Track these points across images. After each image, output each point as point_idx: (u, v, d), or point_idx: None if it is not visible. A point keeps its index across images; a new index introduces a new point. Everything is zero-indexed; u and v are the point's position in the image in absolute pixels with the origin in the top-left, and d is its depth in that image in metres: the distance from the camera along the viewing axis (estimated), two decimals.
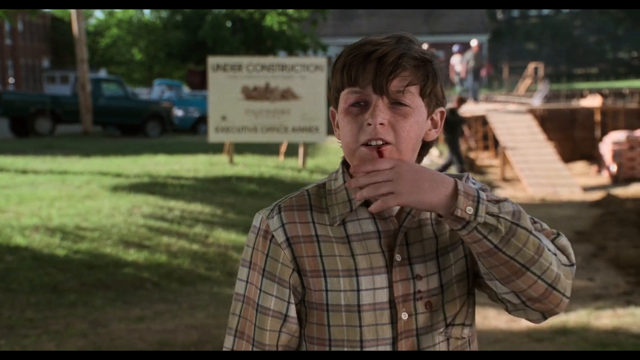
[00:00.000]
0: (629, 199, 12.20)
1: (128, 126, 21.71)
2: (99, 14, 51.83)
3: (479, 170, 16.16)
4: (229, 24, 38.32)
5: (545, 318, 1.44)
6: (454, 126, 13.24)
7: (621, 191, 13.47)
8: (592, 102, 19.23)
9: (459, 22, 48.99)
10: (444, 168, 13.42)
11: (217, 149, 14.10)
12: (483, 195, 1.34)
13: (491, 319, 5.73)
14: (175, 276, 7.06)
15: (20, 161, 12.98)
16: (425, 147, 1.45)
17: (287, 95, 12.41)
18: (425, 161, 1.51)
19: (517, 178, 14.81)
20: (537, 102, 20.74)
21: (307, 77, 12.44)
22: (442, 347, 1.43)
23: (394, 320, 1.40)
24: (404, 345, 1.41)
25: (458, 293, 1.45)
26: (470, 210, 1.31)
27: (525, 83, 27.72)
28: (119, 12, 44.36)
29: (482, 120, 17.81)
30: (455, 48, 21.24)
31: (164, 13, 41.82)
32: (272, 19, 37.01)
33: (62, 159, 13.40)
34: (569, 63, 61.71)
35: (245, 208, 9.60)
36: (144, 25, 43.41)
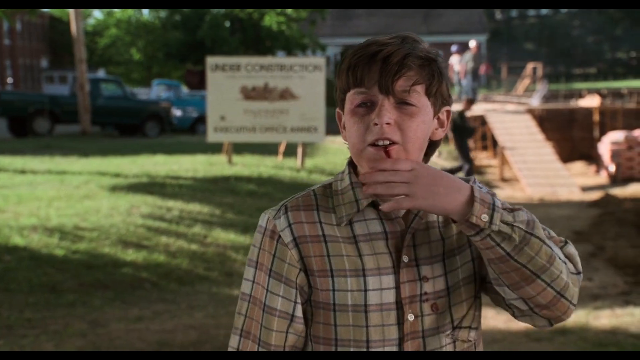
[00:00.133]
0: (628, 199, 12.21)
1: (127, 126, 21.69)
2: (97, 14, 51.82)
3: (478, 171, 16.16)
4: (227, 24, 38.32)
5: (551, 325, 1.45)
6: (462, 131, 13.18)
7: (619, 191, 13.48)
8: (591, 102, 19.25)
9: (458, 22, 49.00)
10: (452, 172, 13.33)
11: (215, 149, 14.10)
12: (498, 203, 1.35)
13: (490, 319, 5.73)
14: (174, 276, 7.06)
15: (18, 161, 12.97)
16: (432, 146, 1.46)
17: (285, 95, 12.41)
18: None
19: (515, 178, 14.81)
20: (535, 102, 20.75)
21: (306, 77, 12.44)
22: (448, 349, 1.44)
23: (400, 321, 1.40)
24: (410, 347, 1.41)
25: (465, 296, 1.45)
26: (485, 217, 1.32)
27: (523, 83, 27.74)
28: (117, 12, 44.35)
29: (481, 120, 17.81)
30: (454, 48, 21.25)
31: (162, 13, 41.81)
32: (271, 19, 37.02)
33: (61, 159, 13.39)
34: (567, 63, 61.74)
35: (244, 208, 9.60)
36: (142, 25, 43.40)
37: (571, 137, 18.25)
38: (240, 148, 14.02)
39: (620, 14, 61.16)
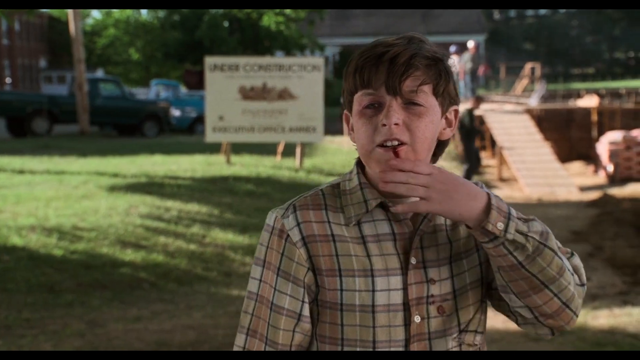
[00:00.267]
0: (626, 199, 12.22)
1: (125, 126, 21.68)
2: (96, 14, 51.79)
3: (477, 170, 16.15)
4: (226, 24, 38.32)
5: (553, 334, 1.47)
6: (470, 130, 13.17)
7: (618, 191, 13.49)
8: (589, 102, 19.26)
9: (456, 22, 49.01)
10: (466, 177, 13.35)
11: (214, 149, 14.09)
12: (514, 212, 1.37)
13: (488, 319, 5.72)
14: (172, 276, 7.06)
15: (17, 161, 12.96)
16: (440, 146, 1.46)
17: (284, 95, 12.41)
18: None
19: (514, 178, 14.82)
20: (534, 102, 20.76)
21: (305, 77, 12.44)
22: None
23: (407, 322, 1.41)
24: (416, 348, 1.42)
25: (472, 300, 1.46)
26: (501, 226, 1.34)
27: (522, 83, 27.74)
28: (116, 12, 44.33)
29: (480, 120, 17.82)
30: (453, 49, 21.26)
31: (161, 13, 41.80)
32: (270, 19, 37.02)
33: (59, 159, 13.38)
34: (565, 63, 61.79)
35: (243, 208, 9.60)
36: (141, 25, 43.39)
37: (569, 137, 18.27)
38: (238, 148, 14.02)
39: (618, 14, 61.21)
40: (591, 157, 17.10)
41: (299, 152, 12.98)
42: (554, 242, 1.39)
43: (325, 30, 46.98)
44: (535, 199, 12.96)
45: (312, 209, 1.44)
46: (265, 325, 1.43)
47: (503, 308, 1.50)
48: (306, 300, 1.42)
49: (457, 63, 20.10)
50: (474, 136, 13.36)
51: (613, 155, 15.08)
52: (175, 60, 39.88)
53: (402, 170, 1.34)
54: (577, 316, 1.44)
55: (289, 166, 12.93)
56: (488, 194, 1.36)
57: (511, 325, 5.58)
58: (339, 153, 15.71)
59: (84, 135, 20.24)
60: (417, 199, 1.36)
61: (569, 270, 1.40)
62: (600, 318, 5.88)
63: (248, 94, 12.38)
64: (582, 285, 1.45)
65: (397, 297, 1.40)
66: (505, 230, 1.34)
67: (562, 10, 64.41)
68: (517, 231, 1.35)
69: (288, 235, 1.42)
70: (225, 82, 12.34)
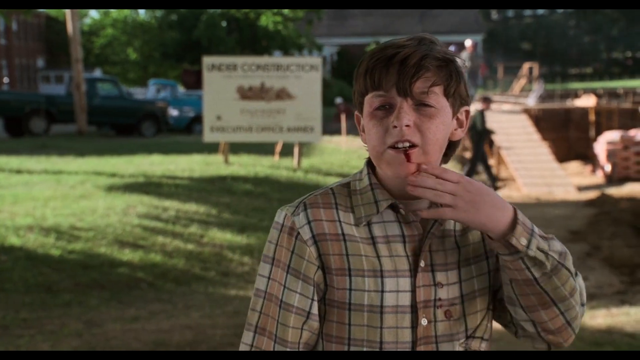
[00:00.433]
0: (623, 199, 12.23)
1: (123, 126, 21.66)
2: (93, 14, 51.77)
3: (475, 171, 16.16)
4: (224, 23, 38.29)
5: (549, 349, 1.50)
6: (482, 131, 13.18)
7: (615, 191, 13.51)
8: (587, 102, 19.29)
9: (454, 22, 49.03)
10: (469, 174, 13.36)
11: (212, 148, 14.09)
12: (536, 229, 1.39)
13: None
14: (170, 276, 7.06)
15: (14, 161, 12.95)
16: (451, 146, 1.46)
17: (282, 95, 12.40)
18: None
19: (512, 178, 14.83)
20: (531, 102, 20.78)
21: (302, 77, 12.44)
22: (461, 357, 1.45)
23: (414, 324, 1.41)
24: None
25: (479, 307, 1.47)
26: (524, 241, 1.36)
27: (520, 83, 27.78)
28: (113, 12, 44.29)
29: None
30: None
31: (158, 13, 41.77)
32: (268, 18, 37.02)
33: (57, 159, 13.37)
34: (563, 63, 61.83)
35: (241, 208, 9.59)
36: (138, 25, 43.36)
37: (567, 136, 18.28)
38: (236, 148, 14.01)
39: (616, 14, 61.26)
40: (589, 157, 17.11)
41: (297, 152, 12.98)
42: (571, 264, 1.42)
43: (323, 30, 46.97)
44: (533, 199, 12.98)
45: (323, 207, 1.44)
46: (274, 323, 1.43)
47: (502, 319, 1.52)
48: (315, 298, 1.42)
49: None
50: (485, 137, 13.35)
51: (611, 155, 15.10)
52: (173, 60, 39.86)
53: (432, 174, 1.36)
54: (575, 335, 1.48)
55: (287, 166, 12.93)
56: (514, 208, 1.38)
57: None
58: (337, 153, 15.71)
59: (82, 135, 20.23)
60: (427, 203, 1.39)
61: (578, 291, 1.44)
62: (598, 318, 5.89)
63: (246, 93, 12.38)
64: (583, 305, 1.47)
65: (405, 299, 1.40)
66: (528, 246, 1.36)
67: (560, 10, 64.46)
68: (539, 248, 1.37)
69: (298, 233, 1.42)
70: (223, 81, 12.34)
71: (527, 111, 18.21)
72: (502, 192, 13.49)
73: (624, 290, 6.95)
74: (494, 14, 66.26)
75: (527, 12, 66.63)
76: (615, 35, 61.57)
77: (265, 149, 14.66)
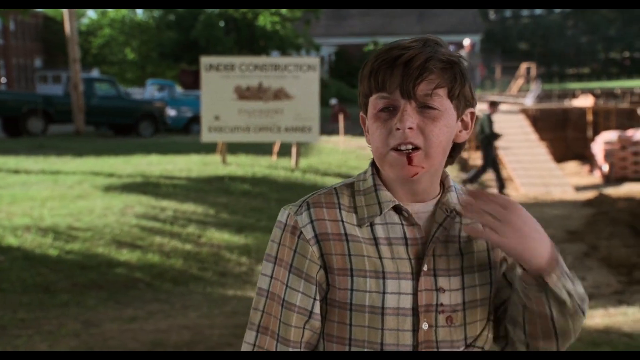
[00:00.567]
0: (621, 199, 12.24)
1: (121, 126, 21.66)
2: (91, 14, 51.71)
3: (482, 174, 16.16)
4: (222, 23, 38.31)
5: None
6: (491, 135, 13.19)
7: (613, 191, 13.52)
8: (584, 102, 19.31)
9: (452, 22, 49.05)
10: (476, 176, 13.36)
11: (209, 148, 14.08)
12: (565, 267, 1.41)
13: None
14: (168, 276, 7.05)
15: (12, 161, 12.94)
16: (456, 148, 1.46)
17: (280, 95, 12.40)
18: None
19: (509, 177, 14.84)
20: (529, 102, 20.79)
21: (300, 77, 12.44)
22: None
23: (415, 328, 1.41)
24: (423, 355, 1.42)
25: (480, 316, 1.46)
26: (555, 279, 1.37)
27: (517, 83, 27.80)
28: (111, 12, 44.27)
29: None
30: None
31: (156, 13, 41.75)
32: (265, 18, 37.03)
33: (55, 159, 13.36)
34: (561, 63, 61.89)
35: (238, 208, 9.59)
36: (136, 25, 43.35)
37: (565, 137, 18.30)
38: (234, 148, 14.01)
39: (613, 14, 61.32)
40: (586, 157, 17.13)
41: (295, 152, 12.98)
42: (587, 306, 1.45)
43: (321, 30, 46.98)
44: (530, 199, 12.99)
45: (326, 207, 1.43)
46: (277, 323, 1.43)
47: (494, 332, 1.52)
48: (317, 297, 1.42)
49: None
50: (494, 141, 13.35)
51: (608, 155, 15.11)
52: (171, 60, 39.86)
53: (482, 197, 1.37)
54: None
55: (285, 166, 12.93)
56: (552, 243, 1.39)
57: None
58: (335, 153, 15.71)
59: (80, 135, 20.21)
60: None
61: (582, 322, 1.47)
62: (596, 317, 5.89)
63: (244, 93, 12.38)
64: (584, 314, 1.49)
65: (406, 302, 1.40)
66: (556, 285, 1.37)
67: (558, 11, 64.52)
68: (566, 288, 1.39)
69: (301, 232, 1.42)
70: (221, 81, 12.34)
71: (524, 111, 18.23)
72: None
73: (621, 290, 6.96)
74: (492, 14, 66.30)
75: (525, 12, 66.70)
76: (613, 35, 61.66)
77: (263, 149, 14.66)
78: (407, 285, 1.40)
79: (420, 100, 1.37)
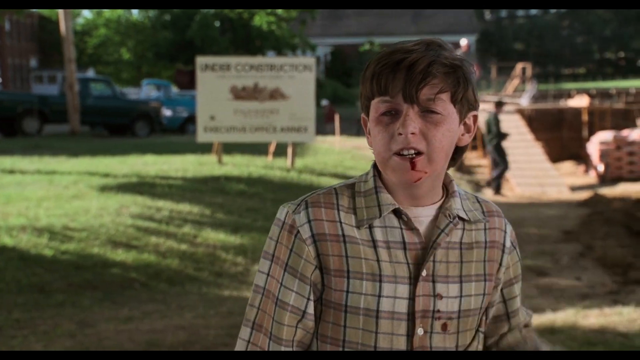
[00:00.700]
0: (616, 199, 12.27)
1: (116, 126, 21.63)
2: (86, 14, 51.64)
3: (468, 171, 16.20)
4: (217, 23, 38.29)
5: None
6: (499, 135, 13.20)
7: (608, 191, 13.54)
8: (580, 102, 19.35)
9: (447, 22, 49.09)
10: (497, 178, 13.37)
11: (205, 148, 14.07)
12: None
13: None
14: (163, 276, 7.04)
15: (7, 161, 12.91)
16: (458, 151, 1.45)
17: (275, 95, 12.40)
18: None
19: (505, 178, 14.85)
20: (525, 102, 20.82)
21: (296, 77, 12.43)
22: None
23: (410, 333, 1.41)
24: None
25: (470, 325, 1.46)
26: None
27: (513, 83, 27.83)
28: (106, 12, 44.19)
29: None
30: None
31: (152, 13, 41.70)
32: (261, 18, 37.02)
33: (50, 159, 13.34)
34: (556, 63, 61.98)
35: (234, 208, 9.58)
36: (132, 25, 43.27)
37: (560, 137, 18.33)
38: (230, 148, 14.00)
39: (609, 14, 61.44)
40: (582, 157, 17.16)
41: (291, 152, 12.98)
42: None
43: (317, 30, 46.98)
44: (526, 199, 13.00)
45: (324, 207, 1.43)
46: (270, 320, 1.43)
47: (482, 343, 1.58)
48: (311, 297, 1.42)
49: None
50: (502, 140, 13.38)
51: (603, 155, 15.14)
52: (167, 60, 39.81)
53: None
54: None
55: (281, 166, 12.93)
56: None
57: None
58: (331, 153, 15.71)
59: (75, 135, 20.18)
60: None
61: None
62: (591, 317, 5.90)
63: (239, 93, 12.37)
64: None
65: (402, 306, 1.40)
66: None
67: (553, 11, 64.62)
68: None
69: (298, 232, 1.41)
70: (216, 82, 12.33)
71: (520, 111, 18.25)
72: (493, 194, 13.51)
73: (616, 290, 6.97)
74: (488, 15, 66.37)
75: (520, 12, 66.78)
76: (608, 35, 61.77)
77: (258, 149, 14.65)
78: (403, 289, 1.40)
79: (423, 105, 1.36)
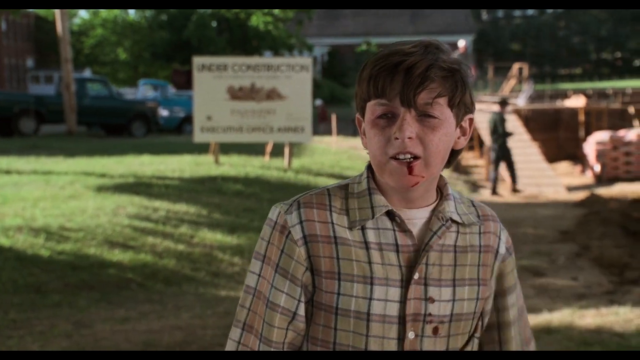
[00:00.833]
0: (613, 199, 12.28)
1: (113, 126, 21.61)
2: (83, 14, 51.58)
3: (464, 171, 16.21)
4: (214, 23, 38.29)
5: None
6: (505, 134, 13.22)
7: (605, 191, 13.56)
8: (576, 102, 19.37)
9: (444, 22, 49.14)
10: (514, 180, 13.40)
11: (202, 149, 14.07)
12: None
13: None
14: (160, 277, 7.04)
15: (3, 161, 12.89)
16: (453, 154, 1.44)
17: (272, 95, 12.40)
18: None
19: (502, 178, 14.86)
20: (521, 102, 20.84)
21: (293, 77, 12.44)
22: None
23: (400, 336, 1.39)
24: None
25: (463, 330, 1.44)
26: None
27: (509, 83, 27.85)
28: (103, 12, 44.16)
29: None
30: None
31: (148, 13, 41.67)
32: (258, 19, 37.02)
33: (46, 159, 13.32)
34: (553, 63, 62.08)
35: (231, 208, 9.58)
36: (128, 25, 43.25)
37: (557, 137, 18.35)
38: (227, 148, 14.00)
39: (605, 14, 61.55)
40: (578, 157, 17.18)
41: (288, 152, 12.98)
42: None
43: (314, 30, 46.99)
44: (523, 199, 13.02)
45: (316, 208, 1.41)
46: (261, 322, 1.42)
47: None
48: (302, 299, 1.40)
49: None
50: (507, 139, 13.40)
51: (600, 155, 15.16)
52: (163, 60, 39.80)
53: None
54: None
55: (278, 166, 12.93)
56: None
57: None
58: (328, 153, 15.72)
59: (72, 135, 20.16)
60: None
61: None
62: (587, 317, 5.91)
63: (236, 94, 12.37)
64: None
65: (393, 309, 1.38)
66: None
67: (550, 11, 64.71)
68: None
69: (289, 232, 1.40)
70: (213, 82, 12.32)
71: (517, 111, 18.26)
72: (489, 193, 13.53)
73: (613, 290, 6.98)
74: (484, 15, 66.44)
75: (517, 12, 66.87)
76: (605, 36, 61.88)
77: (255, 149, 14.65)
78: (395, 292, 1.38)
79: (421, 109, 1.34)
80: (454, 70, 1.37)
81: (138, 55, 42.20)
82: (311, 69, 12.68)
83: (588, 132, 17.51)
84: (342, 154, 15.79)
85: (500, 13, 67.21)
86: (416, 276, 1.39)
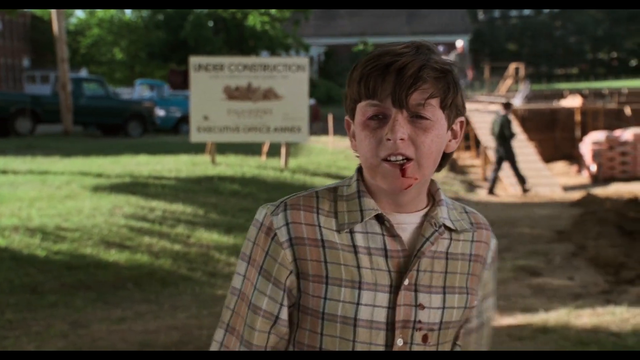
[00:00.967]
0: (609, 199, 12.30)
1: (109, 126, 21.59)
2: (79, 13, 51.50)
3: (461, 171, 16.22)
4: (211, 23, 38.27)
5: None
6: (510, 136, 13.24)
7: (601, 191, 13.58)
8: (572, 102, 19.39)
9: (441, 22, 49.17)
10: (524, 182, 13.40)
11: (199, 149, 14.06)
12: None
13: None
14: (156, 277, 7.03)
15: None
16: (444, 157, 1.41)
17: (269, 95, 12.40)
18: None
19: (498, 177, 14.87)
20: (518, 102, 20.85)
21: (289, 77, 12.44)
22: None
23: (388, 343, 1.36)
24: None
25: (449, 338, 1.43)
26: None
27: (506, 83, 27.87)
28: (99, 12, 44.10)
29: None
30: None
31: (145, 13, 41.63)
32: (255, 18, 37.01)
33: (43, 159, 13.30)
34: (549, 63, 62.16)
35: (228, 208, 9.58)
36: (125, 24, 43.19)
37: (553, 137, 18.37)
38: (223, 148, 13.99)
39: (601, 14, 61.63)
40: (575, 157, 17.20)
41: (284, 152, 12.97)
42: None
43: (310, 30, 46.98)
44: (519, 199, 13.03)
45: (303, 210, 1.38)
46: (243, 324, 1.40)
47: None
48: (285, 303, 1.38)
49: None
50: (511, 146, 13.42)
51: (596, 155, 15.19)
52: (160, 60, 39.76)
53: None
54: None
55: (274, 166, 12.92)
56: None
57: (495, 324, 5.60)
58: (324, 153, 15.72)
59: (68, 135, 20.13)
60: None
61: None
62: (583, 317, 5.92)
63: (233, 93, 12.37)
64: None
65: (380, 315, 1.35)
66: None
67: (546, 11, 64.80)
68: None
69: (275, 234, 1.37)
70: (210, 82, 12.32)
71: (513, 111, 18.25)
72: (485, 194, 13.54)
73: (609, 290, 6.99)
74: (481, 15, 66.50)
75: (514, 12, 66.94)
76: (601, 36, 61.97)
77: (252, 149, 14.65)
78: (383, 298, 1.35)
79: (412, 110, 1.32)
80: (446, 71, 1.35)
81: (134, 55, 42.15)
82: (308, 69, 12.68)
83: (584, 132, 17.53)
84: (338, 154, 15.80)
85: (496, 13, 67.28)
86: (406, 282, 1.36)
